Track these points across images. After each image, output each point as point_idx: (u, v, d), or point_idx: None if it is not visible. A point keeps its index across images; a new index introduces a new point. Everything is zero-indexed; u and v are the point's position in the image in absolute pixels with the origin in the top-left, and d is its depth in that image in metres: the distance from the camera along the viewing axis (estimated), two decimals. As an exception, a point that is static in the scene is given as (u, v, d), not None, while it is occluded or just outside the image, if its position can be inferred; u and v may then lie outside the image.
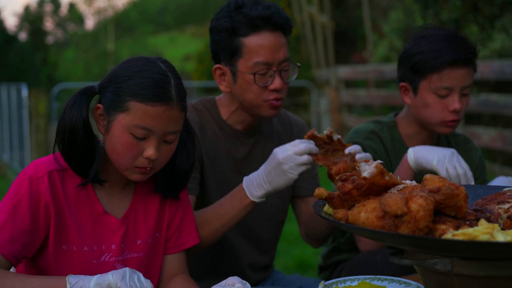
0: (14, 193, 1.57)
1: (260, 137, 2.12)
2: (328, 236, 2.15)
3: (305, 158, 1.75)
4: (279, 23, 1.95)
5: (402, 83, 2.26)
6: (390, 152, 2.26)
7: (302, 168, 1.76)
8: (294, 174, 1.76)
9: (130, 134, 1.56)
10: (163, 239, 1.77)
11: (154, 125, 1.56)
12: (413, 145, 2.28)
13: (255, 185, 1.81)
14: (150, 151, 1.57)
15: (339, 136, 1.82)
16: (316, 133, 1.83)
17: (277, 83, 1.96)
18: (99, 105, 1.62)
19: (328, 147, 1.82)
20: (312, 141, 1.78)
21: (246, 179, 1.85)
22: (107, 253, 1.66)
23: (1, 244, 1.52)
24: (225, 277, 2.01)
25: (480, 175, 2.37)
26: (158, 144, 1.59)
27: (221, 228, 1.88)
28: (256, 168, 2.09)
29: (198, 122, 2.04)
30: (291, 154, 1.74)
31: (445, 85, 2.14)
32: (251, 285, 2.13)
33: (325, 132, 1.84)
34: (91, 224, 1.65)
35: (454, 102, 2.15)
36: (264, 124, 2.14)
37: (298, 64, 2.05)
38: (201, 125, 2.05)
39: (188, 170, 1.74)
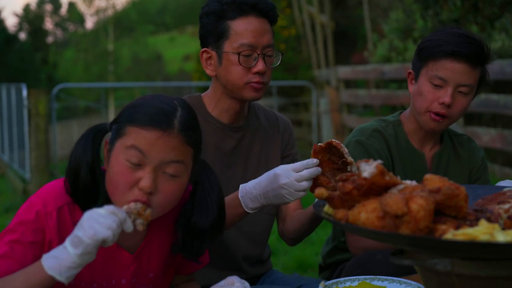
0: (18, 224, 1.50)
1: (247, 132, 2.17)
2: (303, 237, 2.16)
3: (305, 185, 1.72)
4: (264, 10, 2.04)
5: (410, 71, 2.27)
6: (393, 150, 2.25)
7: (301, 194, 1.74)
8: (290, 199, 1.75)
9: (125, 161, 1.47)
10: (175, 264, 1.73)
11: (148, 150, 1.46)
12: (416, 142, 2.28)
13: (251, 198, 1.80)
14: (144, 181, 1.46)
15: (345, 150, 1.76)
16: (320, 144, 1.77)
17: (260, 65, 2.03)
18: (107, 140, 1.56)
19: (332, 165, 1.77)
20: (316, 161, 1.72)
21: (242, 189, 1.83)
22: None
23: None
24: (221, 269, 2.01)
25: (482, 175, 2.37)
26: (155, 175, 1.47)
27: None
28: (242, 162, 2.14)
29: None
30: (292, 181, 1.71)
31: (440, 75, 2.13)
32: (249, 279, 2.15)
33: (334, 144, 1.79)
34: (102, 259, 1.56)
35: (446, 95, 2.14)
36: (251, 120, 2.19)
37: (281, 52, 2.14)
38: None
39: (207, 232, 1.62)
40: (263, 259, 2.25)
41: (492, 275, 1.26)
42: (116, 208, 1.40)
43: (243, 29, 2.02)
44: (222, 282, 1.48)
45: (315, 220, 2.01)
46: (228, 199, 1.82)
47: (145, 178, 1.46)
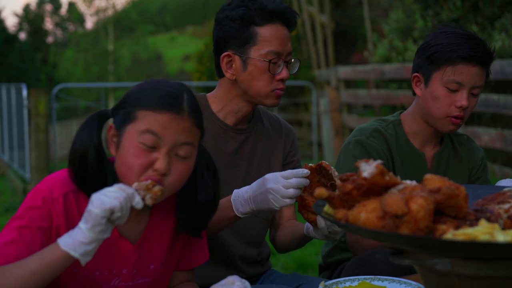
0: (25, 211, 1.52)
1: (250, 135, 2.17)
2: (292, 250, 2.17)
3: (291, 192, 1.72)
4: (289, 19, 2.07)
5: (416, 74, 2.26)
6: (393, 150, 2.26)
7: (287, 202, 1.74)
8: (276, 206, 1.75)
9: (140, 143, 1.50)
10: (175, 258, 1.74)
11: (162, 133, 1.50)
12: (417, 142, 2.29)
13: (242, 202, 1.82)
14: (159, 163, 1.50)
15: (335, 173, 1.77)
16: (310, 165, 1.78)
17: (284, 72, 2.06)
18: (112, 125, 1.58)
19: (322, 180, 1.79)
20: (306, 171, 1.74)
21: (235, 193, 1.85)
22: (117, 278, 1.62)
23: (7, 258, 1.47)
24: (218, 268, 2.02)
25: (482, 175, 2.38)
26: (169, 157, 1.52)
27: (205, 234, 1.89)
28: (243, 164, 2.14)
29: None
30: (279, 186, 1.73)
31: (457, 79, 2.15)
32: (248, 278, 2.16)
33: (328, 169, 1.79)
34: (105, 248, 1.58)
35: (462, 99, 2.16)
36: (255, 123, 2.20)
37: (299, 59, 2.16)
38: None
39: (210, 205, 1.68)
40: (260, 259, 2.26)
41: (492, 275, 1.26)
42: (124, 185, 1.44)
43: (271, 36, 2.03)
44: (223, 282, 1.48)
45: (306, 239, 2.01)
46: (221, 201, 1.83)
47: (161, 160, 1.50)
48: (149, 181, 1.49)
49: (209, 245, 2.01)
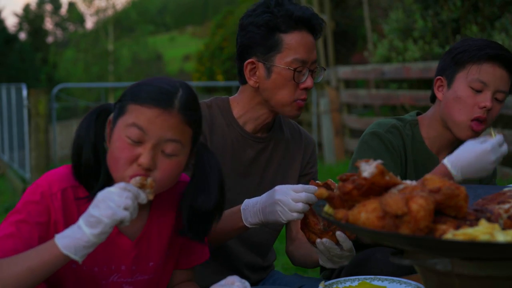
0: (23, 206, 1.53)
1: (268, 144, 2.12)
2: (306, 266, 2.10)
3: (300, 206, 1.69)
4: (315, 26, 2.01)
5: (439, 77, 2.23)
6: (408, 150, 2.23)
7: (294, 216, 1.70)
8: (283, 219, 1.72)
9: (126, 137, 1.51)
10: (175, 257, 1.74)
11: (148, 127, 1.50)
12: (433, 147, 2.25)
13: (252, 212, 1.79)
14: (143, 158, 1.50)
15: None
16: (317, 181, 1.76)
17: (309, 81, 2.01)
18: (110, 118, 1.59)
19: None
20: (315, 188, 1.69)
21: (245, 203, 1.82)
22: (116, 274, 1.63)
23: (4, 252, 1.48)
24: (223, 275, 2.01)
25: (490, 181, 2.36)
26: (154, 152, 1.51)
27: (213, 242, 1.87)
28: (258, 173, 2.10)
29: (208, 118, 2.05)
30: (288, 199, 1.69)
31: (482, 78, 2.12)
32: (252, 285, 2.15)
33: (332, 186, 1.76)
34: (104, 244, 1.56)
35: (486, 99, 2.12)
36: (274, 132, 2.15)
37: (324, 67, 2.10)
38: (211, 122, 2.06)
39: (212, 213, 1.65)
40: (266, 265, 2.24)
41: (492, 275, 1.26)
42: (127, 184, 1.44)
43: (297, 44, 1.97)
44: (223, 282, 1.48)
45: (317, 263, 1.95)
46: (230, 211, 1.82)
47: (144, 155, 1.50)
48: (138, 177, 1.49)
49: (216, 252, 2.01)
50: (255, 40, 2.00)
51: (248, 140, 2.09)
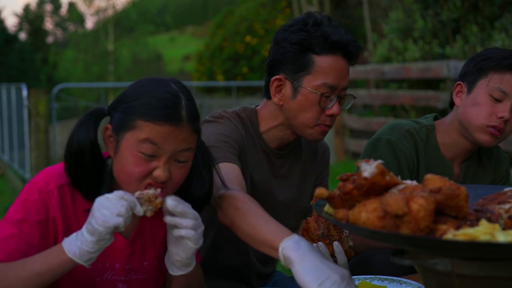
0: (22, 204, 1.54)
1: (287, 160, 2.09)
2: None
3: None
4: (352, 52, 1.93)
5: (459, 82, 2.20)
6: (421, 155, 2.20)
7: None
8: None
9: (139, 152, 1.50)
10: None
11: (162, 143, 1.50)
12: (448, 154, 2.22)
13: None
14: (158, 171, 1.51)
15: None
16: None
17: (335, 108, 1.93)
18: (108, 126, 1.58)
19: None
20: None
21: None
22: (109, 271, 1.64)
23: (7, 253, 1.49)
24: (228, 280, 1.99)
25: (506, 181, 2.34)
26: (169, 164, 1.53)
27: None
28: (273, 191, 2.05)
29: (242, 129, 2.00)
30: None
31: (503, 88, 2.09)
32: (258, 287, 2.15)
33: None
34: None
35: (505, 110, 2.09)
36: (293, 146, 2.10)
37: (354, 96, 2.03)
38: (242, 134, 2.00)
39: (203, 198, 1.66)
40: (272, 271, 2.23)
41: (492, 275, 1.26)
42: (125, 193, 1.46)
43: (329, 68, 1.89)
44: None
45: None
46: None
47: (160, 169, 1.51)
48: (151, 192, 1.50)
49: (228, 263, 2.00)
50: (286, 56, 1.92)
51: (271, 156, 2.04)
